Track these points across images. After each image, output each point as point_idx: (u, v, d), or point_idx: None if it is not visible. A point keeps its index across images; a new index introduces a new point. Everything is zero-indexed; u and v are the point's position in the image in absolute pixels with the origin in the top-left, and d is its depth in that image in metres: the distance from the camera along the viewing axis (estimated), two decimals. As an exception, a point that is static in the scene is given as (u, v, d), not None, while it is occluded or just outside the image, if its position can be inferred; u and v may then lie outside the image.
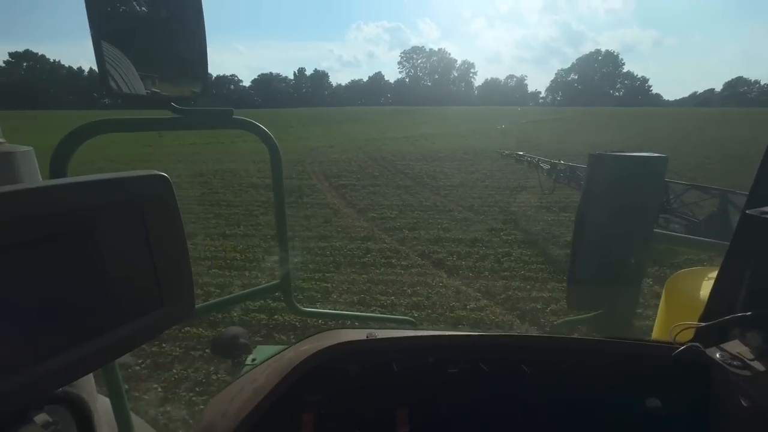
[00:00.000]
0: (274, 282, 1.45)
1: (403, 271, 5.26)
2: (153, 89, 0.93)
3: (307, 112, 62.20)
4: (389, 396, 0.73)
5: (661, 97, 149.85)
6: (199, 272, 5.23)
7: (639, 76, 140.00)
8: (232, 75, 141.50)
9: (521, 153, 12.54)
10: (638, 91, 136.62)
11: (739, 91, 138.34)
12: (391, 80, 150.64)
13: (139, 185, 0.39)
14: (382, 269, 5.31)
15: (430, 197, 9.24)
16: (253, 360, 1.12)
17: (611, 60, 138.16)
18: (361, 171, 12.12)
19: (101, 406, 0.95)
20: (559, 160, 9.19)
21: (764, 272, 0.54)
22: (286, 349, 0.77)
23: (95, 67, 0.83)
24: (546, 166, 9.55)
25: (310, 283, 4.90)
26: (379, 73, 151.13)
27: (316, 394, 0.71)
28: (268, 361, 0.73)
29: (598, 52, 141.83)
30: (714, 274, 1.46)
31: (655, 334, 1.87)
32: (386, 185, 10.40)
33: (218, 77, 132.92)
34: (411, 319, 2.57)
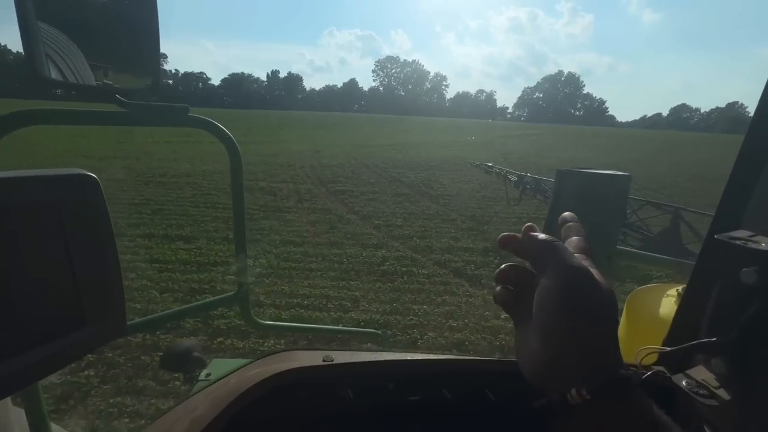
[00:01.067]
0: (230, 293, 1.35)
1: (425, 280, 5.25)
2: (105, 81, 0.86)
3: (284, 115, 61.19)
4: (343, 427, 0.68)
5: (615, 118, 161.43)
6: (213, 278, 4.96)
7: (597, 97, 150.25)
8: (201, 72, 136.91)
9: (490, 164, 12.98)
10: (596, 111, 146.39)
11: (682, 117, 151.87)
12: (365, 88, 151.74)
13: (60, 186, 0.34)
14: (404, 278, 5.28)
15: (431, 206, 9.33)
16: (208, 375, 1.04)
17: (573, 81, 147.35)
18: (357, 177, 12.02)
19: (16, 417, 0.87)
20: (526, 173, 9.84)
21: (728, 298, 0.55)
22: (235, 371, 0.70)
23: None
24: (513, 178, 10.02)
25: (336, 291, 4.78)
26: (354, 79, 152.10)
27: (262, 427, 0.65)
28: (209, 388, 0.67)
29: (561, 73, 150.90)
30: (673, 290, 1.59)
31: None
32: (384, 192, 10.39)
33: (186, 74, 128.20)
34: (377, 331, 2.41)
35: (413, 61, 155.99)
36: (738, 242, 0.51)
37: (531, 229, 0.37)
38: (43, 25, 0.73)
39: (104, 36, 0.88)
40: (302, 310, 4.28)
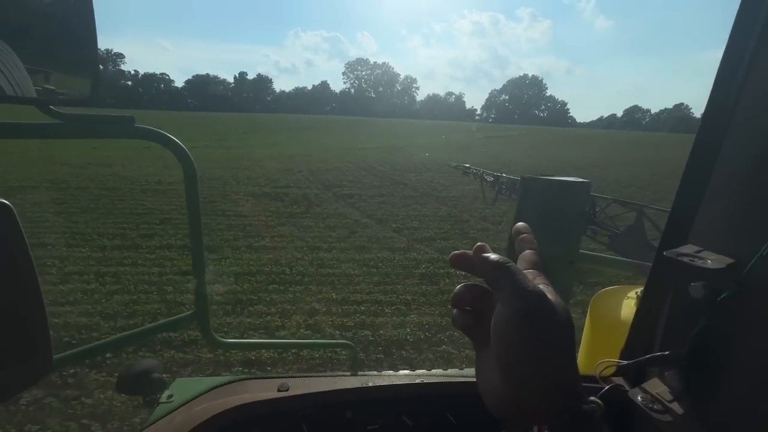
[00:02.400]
0: (189, 312, 1.28)
1: (466, 281, 5.39)
2: (39, 91, 0.77)
3: (259, 118, 59.59)
4: None
5: (575, 119, 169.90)
6: (253, 289, 4.86)
7: (559, 99, 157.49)
8: (163, 74, 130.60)
9: (467, 165, 13.22)
10: (559, 112, 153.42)
11: (635, 117, 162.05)
12: (337, 90, 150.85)
13: None
14: (447, 280, 5.40)
15: (440, 207, 9.51)
16: (170, 397, 0.97)
17: (536, 84, 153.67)
18: (359, 181, 12.02)
19: None
20: (501, 173, 10.10)
21: (679, 311, 0.56)
22: (180, 408, 0.66)
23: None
24: (489, 179, 10.35)
25: (385, 296, 4.82)
26: (325, 82, 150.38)
27: None
28: (154, 426, 0.62)
29: (525, 76, 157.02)
30: (633, 293, 1.64)
31: (581, 355, 1.91)
32: (391, 195, 10.48)
33: (147, 75, 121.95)
34: (348, 342, 2.33)
35: (383, 63, 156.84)
36: (685, 258, 0.52)
37: (482, 249, 0.36)
38: None
39: (36, 42, 0.77)
40: (363, 317, 4.30)
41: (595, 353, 1.65)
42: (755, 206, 0.50)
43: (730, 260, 0.50)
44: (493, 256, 0.35)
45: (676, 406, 0.54)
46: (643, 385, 0.59)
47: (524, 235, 0.41)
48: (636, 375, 0.66)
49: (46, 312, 0.37)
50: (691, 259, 0.52)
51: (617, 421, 0.64)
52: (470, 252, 0.37)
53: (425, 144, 28.62)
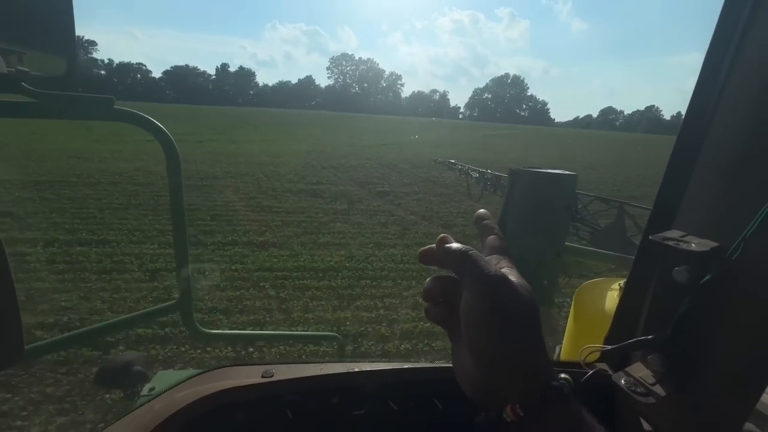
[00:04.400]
0: (171, 301, 1.25)
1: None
2: (12, 69, 0.74)
3: (249, 113, 58.24)
4: None
5: (554, 119, 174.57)
6: (348, 285, 4.95)
7: (540, 99, 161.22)
8: (140, 63, 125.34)
9: (453, 161, 13.19)
10: (539, 112, 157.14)
11: (609, 118, 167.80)
12: (322, 85, 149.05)
13: None
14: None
15: (474, 205, 9.76)
16: (152, 390, 0.97)
17: (518, 83, 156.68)
18: (387, 178, 12.11)
19: None
20: (486, 169, 10.24)
21: (663, 296, 0.57)
22: (162, 393, 0.65)
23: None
24: (475, 174, 10.53)
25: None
26: (310, 76, 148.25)
27: None
28: (133, 413, 0.60)
29: (507, 75, 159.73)
30: (616, 285, 1.75)
31: (566, 345, 1.89)
32: (425, 192, 10.64)
33: (122, 64, 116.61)
34: (335, 334, 2.32)
35: (368, 59, 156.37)
36: (670, 242, 0.53)
37: (444, 240, 0.37)
38: None
39: (9, 16, 0.73)
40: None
41: (579, 342, 1.79)
42: (738, 191, 0.51)
43: (714, 244, 0.51)
44: (454, 245, 0.35)
45: (658, 389, 0.55)
46: (627, 369, 0.59)
47: (486, 221, 0.42)
48: (619, 360, 0.66)
49: (17, 299, 0.35)
50: (676, 242, 0.53)
51: (601, 404, 0.66)
52: (434, 245, 0.37)
53: (428, 141, 28.83)
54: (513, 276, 0.34)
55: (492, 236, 0.40)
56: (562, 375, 0.33)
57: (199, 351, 3.39)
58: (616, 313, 0.71)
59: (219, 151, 15.47)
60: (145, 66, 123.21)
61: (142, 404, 0.62)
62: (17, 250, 5.30)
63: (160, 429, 0.55)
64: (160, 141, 1.07)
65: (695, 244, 0.51)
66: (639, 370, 0.59)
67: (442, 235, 0.37)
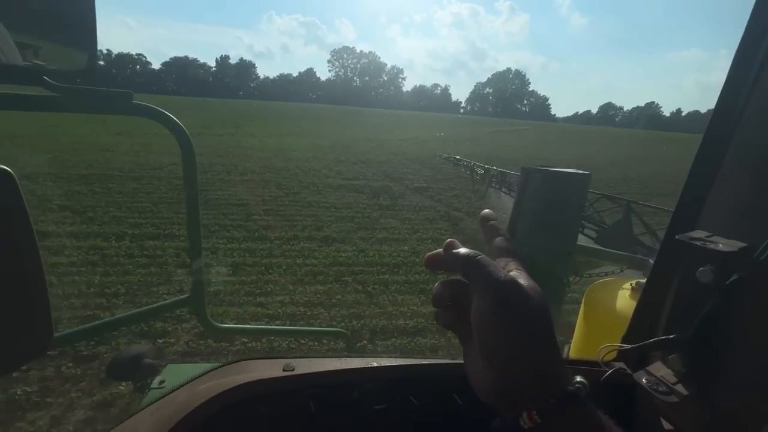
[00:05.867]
0: (184, 296, 1.26)
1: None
2: (35, 61, 0.74)
3: (256, 106, 57.83)
4: None
5: (555, 115, 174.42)
6: (427, 279, 5.06)
7: (542, 94, 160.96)
8: (139, 54, 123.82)
9: (458, 157, 13.06)
10: (541, 107, 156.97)
11: (609, 114, 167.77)
12: (323, 78, 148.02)
13: None
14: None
15: (484, 204, 9.86)
16: (162, 383, 0.98)
17: (520, 78, 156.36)
18: (420, 174, 12.18)
19: None
20: (492, 166, 10.10)
21: (686, 296, 0.56)
22: (185, 384, 0.65)
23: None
24: (480, 171, 10.53)
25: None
26: (311, 69, 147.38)
27: None
28: (155, 405, 0.60)
29: (509, 70, 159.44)
30: (627, 285, 1.71)
31: (575, 344, 1.89)
32: (461, 188, 10.73)
33: (120, 55, 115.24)
34: (343, 330, 2.35)
35: (369, 52, 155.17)
36: (697, 242, 0.52)
37: (451, 245, 0.37)
38: None
39: (32, 11, 0.74)
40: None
41: (590, 341, 1.80)
42: (766, 191, 0.50)
43: (742, 244, 0.50)
44: (462, 250, 0.35)
45: (680, 388, 0.54)
46: (648, 368, 0.59)
47: (492, 222, 0.41)
48: (638, 359, 0.66)
49: (47, 287, 0.36)
50: (703, 242, 0.52)
51: (619, 403, 0.66)
52: (441, 251, 0.37)
53: (444, 137, 28.86)
54: (523, 279, 0.33)
55: (499, 238, 0.39)
56: (578, 378, 0.33)
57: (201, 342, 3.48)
58: (635, 312, 0.71)
59: (244, 145, 15.49)
60: (145, 57, 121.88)
61: (158, 397, 0.63)
62: (92, 244, 5.37)
63: (186, 420, 0.55)
64: (176, 136, 1.07)
65: (722, 245, 0.50)
66: (660, 370, 0.58)
67: (449, 240, 0.37)
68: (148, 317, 2.08)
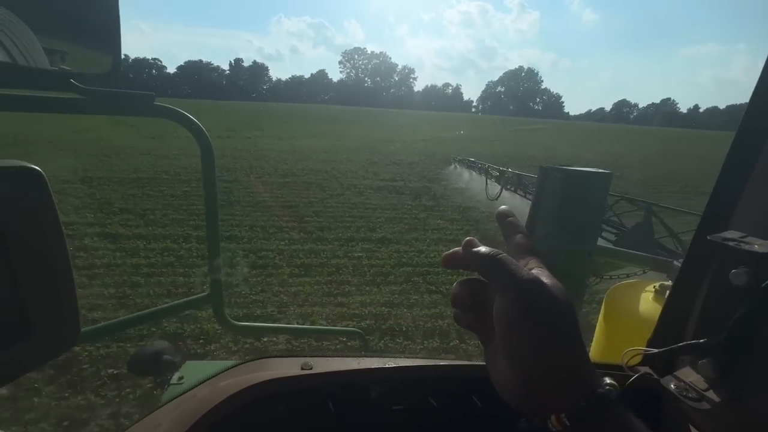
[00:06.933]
0: (203, 294, 1.29)
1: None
2: (61, 66, 0.77)
3: (273, 108, 58.46)
4: None
5: (568, 113, 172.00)
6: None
7: (555, 92, 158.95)
8: (155, 59, 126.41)
9: (472, 159, 12.84)
10: (554, 105, 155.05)
11: (623, 111, 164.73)
12: (335, 79, 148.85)
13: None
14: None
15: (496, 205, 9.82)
16: (181, 379, 1.01)
17: (532, 76, 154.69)
18: (452, 174, 12.24)
19: None
20: (507, 168, 9.69)
21: (717, 299, 0.54)
22: (206, 381, 0.65)
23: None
24: (495, 173, 10.30)
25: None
26: (323, 71, 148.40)
27: None
28: (176, 401, 0.61)
29: (521, 68, 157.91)
30: (650, 287, 1.66)
31: (595, 347, 1.86)
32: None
33: (137, 60, 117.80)
34: (358, 330, 2.38)
35: (381, 53, 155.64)
36: (730, 243, 0.51)
37: (471, 244, 0.36)
38: None
39: (59, 15, 0.76)
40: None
41: (611, 344, 1.76)
42: None
43: None
44: (483, 249, 0.35)
45: (711, 395, 0.52)
46: (675, 373, 0.57)
47: (510, 218, 0.40)
48: (665, 364, 0.64)
49: (74, 284, 0.37)
50: (737, 243, 0.50)
51: (644, 409, 0.63)
52: (460, 249, 0.37)
53: (465, 137, 28.78)
54: (546, 277, 0.32)
55: (519, 235, 0.38)
56: (608, 380, 0.32)
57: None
58: (661, 315, 0.69)
59: (274, 147, 15.69)
60: (160, 61, 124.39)
61: (178, 393, 0.63)
62: (163, 246, 5.54)
63: (207, 416, 0.56)
64: (195, 137, 1.10)
65: (758, 246, 0.48)
66: (689, 375, 0.56)
67: (468, 238, 0.37)
68: (169, 314, 2.13)
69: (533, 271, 0.33)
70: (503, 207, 0.41)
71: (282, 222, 6.96)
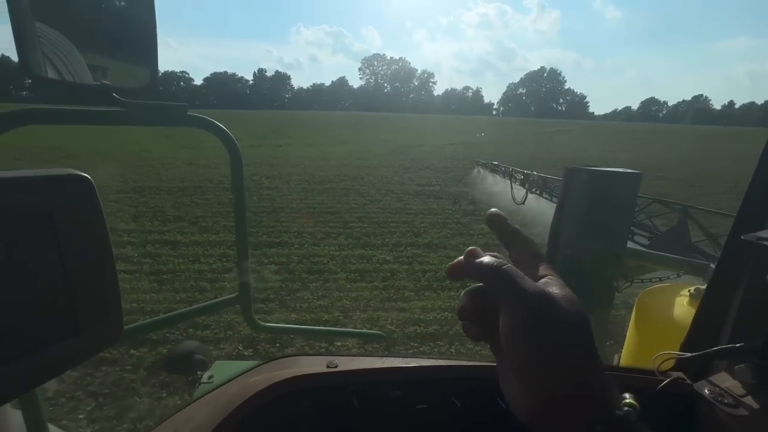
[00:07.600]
0: (232, 295, 1.34)
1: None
2: (103, 81, 0.83)
3: (297, 116, 59.83)
4: None
5: (593, 113, 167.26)
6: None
7: (579, 93, 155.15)
8: (183, 71, 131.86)
9: (496, 163, 12.36)
10: (578, 105, 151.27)
11: (651, 109, 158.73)
12: (355, 86, 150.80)
13: (50, 188, 0.33)
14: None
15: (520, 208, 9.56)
16: (210, 377, 1.07)
17: (554, 77, 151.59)
18: (488, 178, 12.12)
19: (14, 419, 0.87)
20: (531, 171, 9.18)
21: (754, 301, 0.53)
22: (236, 377, 0.68)
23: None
24: (519, 176, 9.95)
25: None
26: (343, 78, 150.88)
27: None
28: (208, 396, 0.64)
29: (543, 69, 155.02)
30: (684, 291, 1.62)
31: (626, 352, 1.80)
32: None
33: (166, 73, 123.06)
34: (381, 333, 2.40)
35: (400, 58, 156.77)
36: (767, 243, 0.48)
37: (473, 254, 0.34)
38: (40, 24, 0.70)
39: (102, 34, 0.83)
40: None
41: (643, 349, 1.70)
42: None
43: None
44: (486, 259, 0.33)
45: (750, 401, 0.50)
46: (710, 378, 0.55)
47: (505, 223, 0.37)
48: (699, 369, 0.61)
49: (119, 284, 0.38)
50: None
51: (676, 415, 0.62)
52: (462, 259, 0.35)
53: (494, 140, 28.54)
54: (555, 287, 0.30)
55: (521, 241, 0.36)
56: (627, 398, 0.29)
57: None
58: (695, 318, 0.66)
59: (307, 154, 16.03)
60: (188, 74, 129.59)
61: (209, 389, 0.66)
62: (220, 253, 5.74)
63: (238, 410, 0.58)
64: (225, 145, 1.13)
65: None
66: (725, 380, 0.54)
67: (470, 248, 0.35)
68: (200, 314, 2.27)
69: (542, 281, 0.31)
70: (493, 210, 0.38)
71: (328, 228, 7.09)
